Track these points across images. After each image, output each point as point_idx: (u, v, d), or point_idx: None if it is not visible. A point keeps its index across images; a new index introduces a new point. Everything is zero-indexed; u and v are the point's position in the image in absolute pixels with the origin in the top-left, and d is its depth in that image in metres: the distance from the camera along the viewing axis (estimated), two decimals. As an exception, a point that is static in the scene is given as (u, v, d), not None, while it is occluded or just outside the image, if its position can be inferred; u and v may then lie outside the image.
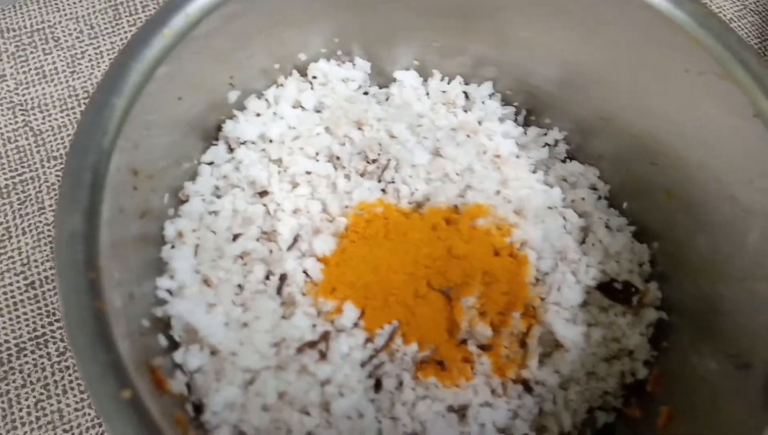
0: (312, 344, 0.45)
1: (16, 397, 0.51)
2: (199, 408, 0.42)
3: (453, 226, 0.50)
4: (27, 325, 0.54)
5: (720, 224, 0.45)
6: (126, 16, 0.69)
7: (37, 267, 0.56)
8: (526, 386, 0.48)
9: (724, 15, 0.76)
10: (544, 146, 0.57)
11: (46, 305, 0.55)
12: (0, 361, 0.52)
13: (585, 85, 0.53)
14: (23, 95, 0.64)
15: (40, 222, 0.58)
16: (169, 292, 0.45)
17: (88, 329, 0.33)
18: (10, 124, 0.62)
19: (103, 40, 0.67)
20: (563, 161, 0.57)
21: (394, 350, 0.46)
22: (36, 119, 0.63)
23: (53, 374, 0.53)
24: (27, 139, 0.62)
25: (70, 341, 0.33)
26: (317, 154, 0.52)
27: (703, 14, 0.44)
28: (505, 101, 0.59)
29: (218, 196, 0.50)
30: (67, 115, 0.63)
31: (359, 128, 0.54)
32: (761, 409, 0.37)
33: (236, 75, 0.51)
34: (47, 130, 0.62)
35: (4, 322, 0.54)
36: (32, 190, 0.59)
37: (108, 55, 0.67)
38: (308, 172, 0.51)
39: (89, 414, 0.51)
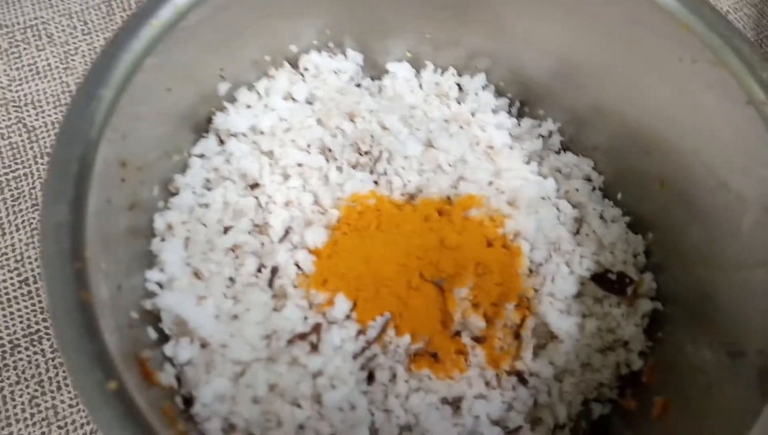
0: (303, 336, 0.44)
1: (10, 394, 0.51)
2: (189, 401, 0.42)
3: (446, 217, 0.50)
4: (21, 322, 0.54)
5: (713, 212, 0.45)
6: (119, 12, 0.69)
7: (30, 263, 0.56)
8: (521, 378, 0.48)
9: (721, 7, 0.75)
10: (538, 137, 0.57)
11: (40, 302, 0.55)
12: (-7, 357, 0.52)
13: (578, 76, 0.53)
14: (16, 92, 0.63)
15: (34, 218, 0.58)
16: (159, 284, 0.45)
17: (74, 320, 0.33)
18: (4, 120, 0.62)
19: (97, 36, 0.67)
20: (557, 152, 0.57)
21: (386, 342, 0.46)
22: (29, 115, 0.62)
23: (47, 371, 0.52)
24: (20, 135, 0.61)
25: (56, 332, 0.33)
26: (309, 146, 0.52)
27: (695, 2, 0.44)
28: (499, 93, 0.59)
29: (209, 189, 0.50)
30: (61, 111, 0.63)
31: (351, 120, 0.53)
32: (755, 397, 0.37)
33: (226, 67, 0.51)
34: (41, 127, 0.62)
35: (-2, 319, 0.54)
36: (26, 186, 0.59)
37: (102, 51, 0.66)
38: (300, 165, 0.51)
39: (84, 410, 0.51)
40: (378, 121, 0.53)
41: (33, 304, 0.55)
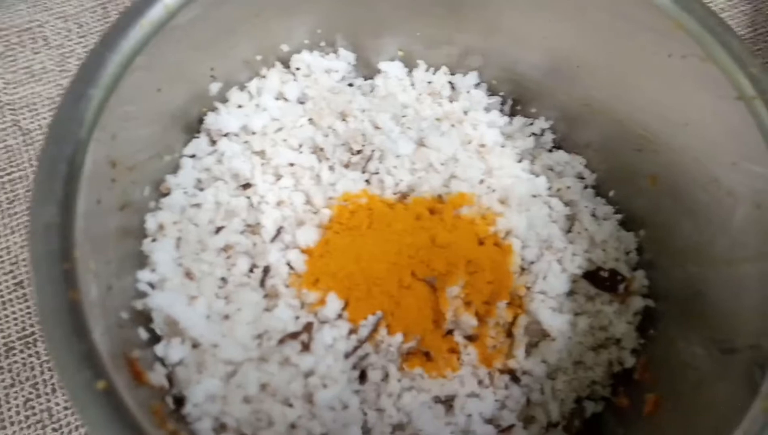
0: (294, 335, 0.44)
1: (5, 397, 0.51)
2: (180, 401, 0.42)
3: (437, 216, 0.50)
4: (16, 325, 0.54)
5: (704, 207, 0.45)
6: (115, 14, 0.69)
7: (25, 266, 0.56)
8: (513, 376, 0.48)
9: (716, 5, 0.75)
10: (530, 136, 0.57)
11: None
12: (-12, 359, 0.52)
13: (570, 72, 0.53)
14: (12, 94, 0.64)
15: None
16: (150, 284, 0.45)
17: (62, 319, 0.33)
18: (-1, 123, 0.62)
19: (92, 38, 0.67)
20: (549, 150, 0.57)
21: (378, 341, 0.46)
22: (25, 118, 0.63)
23: (42, 373, 0.52)
24: (16, 138, 0.62)
25: (44, 331, 0.33)
26: (300, 145, 0.52)
27: (685, -2, 0.44)
28: (491, 91, 0.59)
29: (200, 189, 0.50)
30: (56, 113, 0.63)
31: (343, 119, 0.53)
32: (745, 393, 0.37)
33: (218, 66, 0.51)
34: (36, 130, 0.62)
35: (-7, 321, 0.54)
36: (21, 189, 0.59)
37: (96, 53, 0.67)
38: (291, 164, 0.51)
39: (79, 412, 0.51)
40: (370, 120, 0.53)
41: (28, 307, 0.55)
